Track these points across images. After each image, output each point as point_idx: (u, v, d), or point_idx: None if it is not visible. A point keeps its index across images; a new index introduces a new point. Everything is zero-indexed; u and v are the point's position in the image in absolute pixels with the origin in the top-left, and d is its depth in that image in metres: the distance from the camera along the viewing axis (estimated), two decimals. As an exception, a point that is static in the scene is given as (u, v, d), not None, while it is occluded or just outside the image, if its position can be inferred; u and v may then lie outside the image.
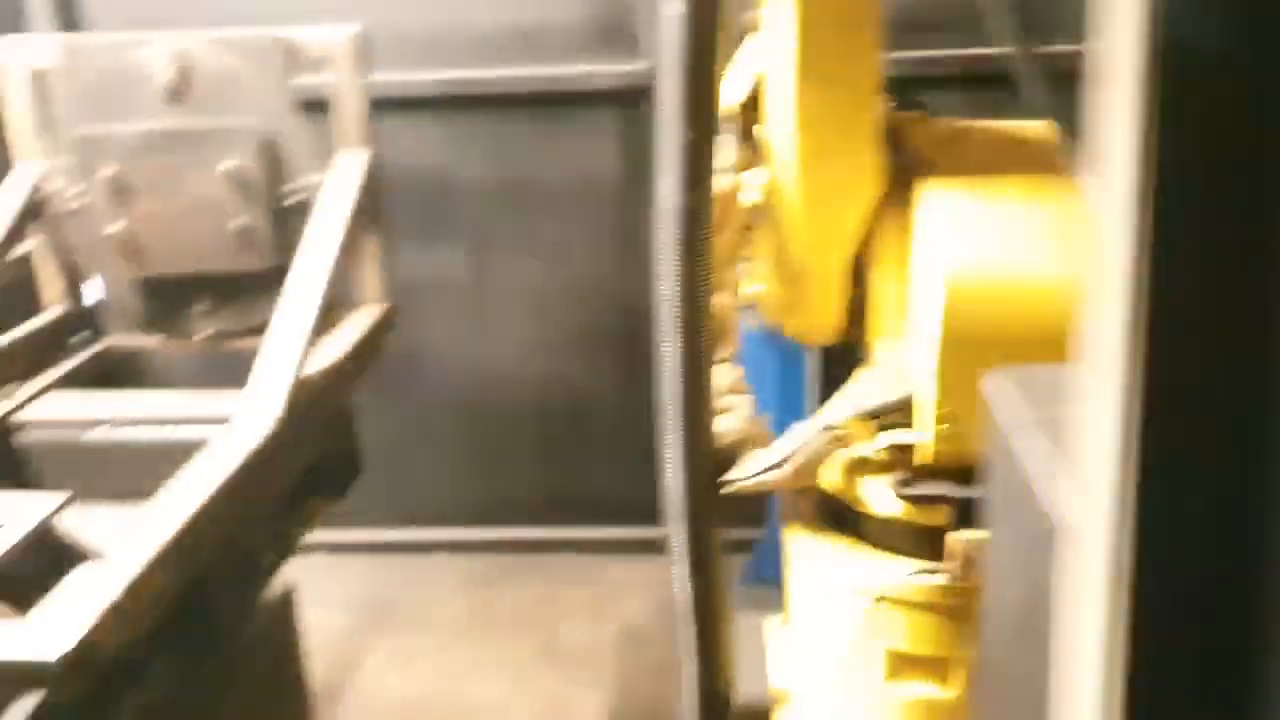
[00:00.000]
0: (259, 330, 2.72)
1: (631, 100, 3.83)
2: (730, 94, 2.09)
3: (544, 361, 4.11)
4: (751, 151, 2.15)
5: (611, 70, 3.81)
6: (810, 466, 1.98)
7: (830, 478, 2.08)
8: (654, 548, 4.20)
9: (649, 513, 4.23)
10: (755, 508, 2.15)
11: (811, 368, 3.52)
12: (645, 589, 4.04)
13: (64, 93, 2.67)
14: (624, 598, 4.01)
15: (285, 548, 2.30)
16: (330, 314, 2.57)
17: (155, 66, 2.60)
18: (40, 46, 2.73)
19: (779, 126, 1.95)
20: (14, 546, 1.75)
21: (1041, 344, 1.77)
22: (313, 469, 2.44)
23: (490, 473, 4.25)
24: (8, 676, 1.49)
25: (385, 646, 3.77)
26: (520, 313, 4.07)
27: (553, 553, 4.24)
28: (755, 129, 2.11)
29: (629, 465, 4.22)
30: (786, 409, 2.51)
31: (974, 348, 1.82)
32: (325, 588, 3.29)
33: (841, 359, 2.29)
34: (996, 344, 1.82)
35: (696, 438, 2.00)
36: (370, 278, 2.81)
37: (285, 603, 2.43)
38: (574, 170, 3.92)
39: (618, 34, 3.79)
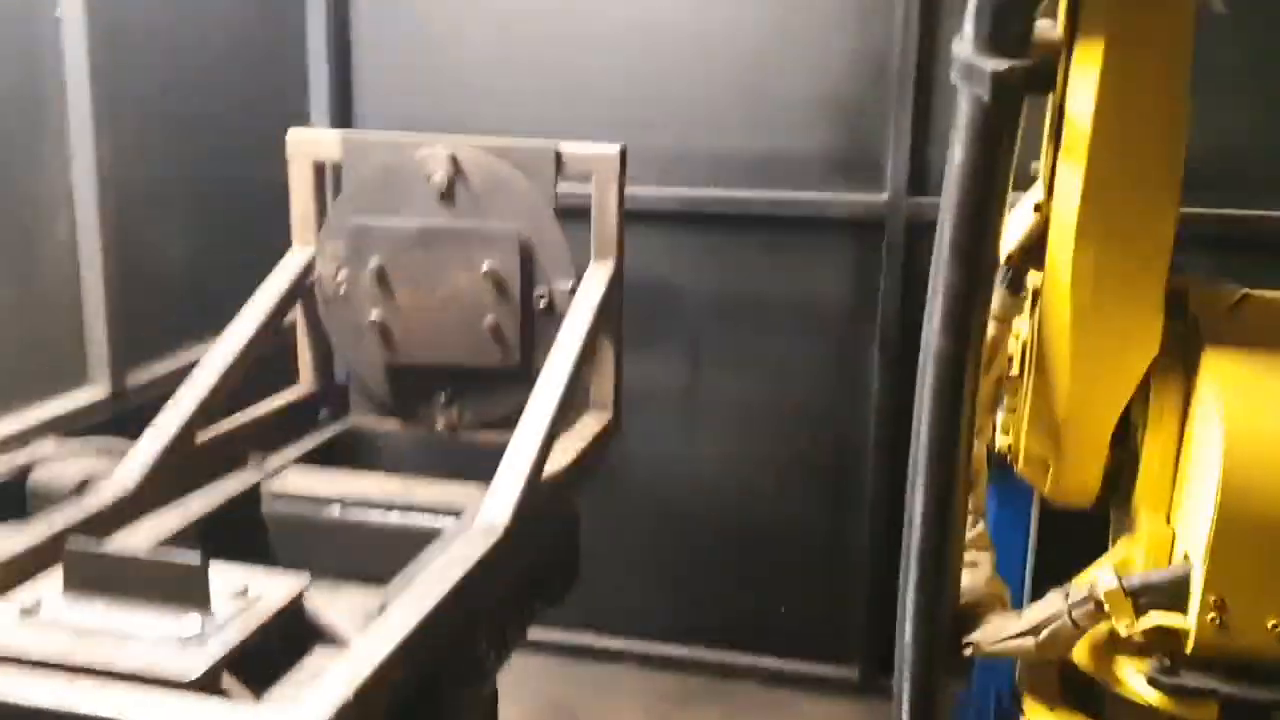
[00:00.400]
0: (495, 424, 2.81)
1: (866, 231, 3.82)
2: (1005, 240, 2.04)
3: (750, 482, 4.07)
4: (1022, 300, 2.09)
5: (849, 199, 3.81)
6: (1062, 640, 1.87)
7: (1081, 653, 1.96)
8: (843, 688, 4.07)
9: (841, 651, 4.10)
10: (964, 660, 2.04)
11: (1034, 521, 3.37)
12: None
13: (343, 184, 2.84)
14: (805, 736, 3.88)
15: (506, 649, 2.30)
16: (566, 417, 2.60)
17: (431, 166, 2.73)
18: (325, 140, 2.91)
19: (1058, 280, 1.90)
20: (260, 627, 1.80)
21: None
22: (535, 571, 2.46)
23: (684, 589, 4.21)
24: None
25: (564, 753, 3.73)
26: (731, 430, 4.05)
27: (738, 680, 4.14)
28: (1028, 278, 2.05)
29: (826, 599, 4.12)
30: (1002, 563, 2.39)
31: (1251, 529, 1.70)
32: (510, 682, 3.29)
33: (1069, 517, 2.18)
34: (1277, 528, 1.70)
35: (939, 592, 1.92)
36: (603, 385, 2.85)
37: (493, 703, 2.43)
38: (800, 294, 3.92)
39: (859, 164, 3.80)
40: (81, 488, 2.49)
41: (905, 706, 1.99)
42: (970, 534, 2.05)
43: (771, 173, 3.86)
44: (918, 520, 1.88)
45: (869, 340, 3.86)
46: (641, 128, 3.82)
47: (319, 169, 2.89)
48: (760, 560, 4.14)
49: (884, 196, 3.77)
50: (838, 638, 4.10)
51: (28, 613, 1.78)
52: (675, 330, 4.01)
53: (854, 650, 4.08)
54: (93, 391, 3.05)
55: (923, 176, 3.72)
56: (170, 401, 2.48)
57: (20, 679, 1.61)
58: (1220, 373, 1.80)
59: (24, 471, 2.56)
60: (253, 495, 2.52)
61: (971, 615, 1.99)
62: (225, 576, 1.88)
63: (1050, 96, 1.87)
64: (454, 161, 2.72)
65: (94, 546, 1.92)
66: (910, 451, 1.88)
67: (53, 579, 1.87)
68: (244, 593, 1.86)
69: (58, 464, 2.59)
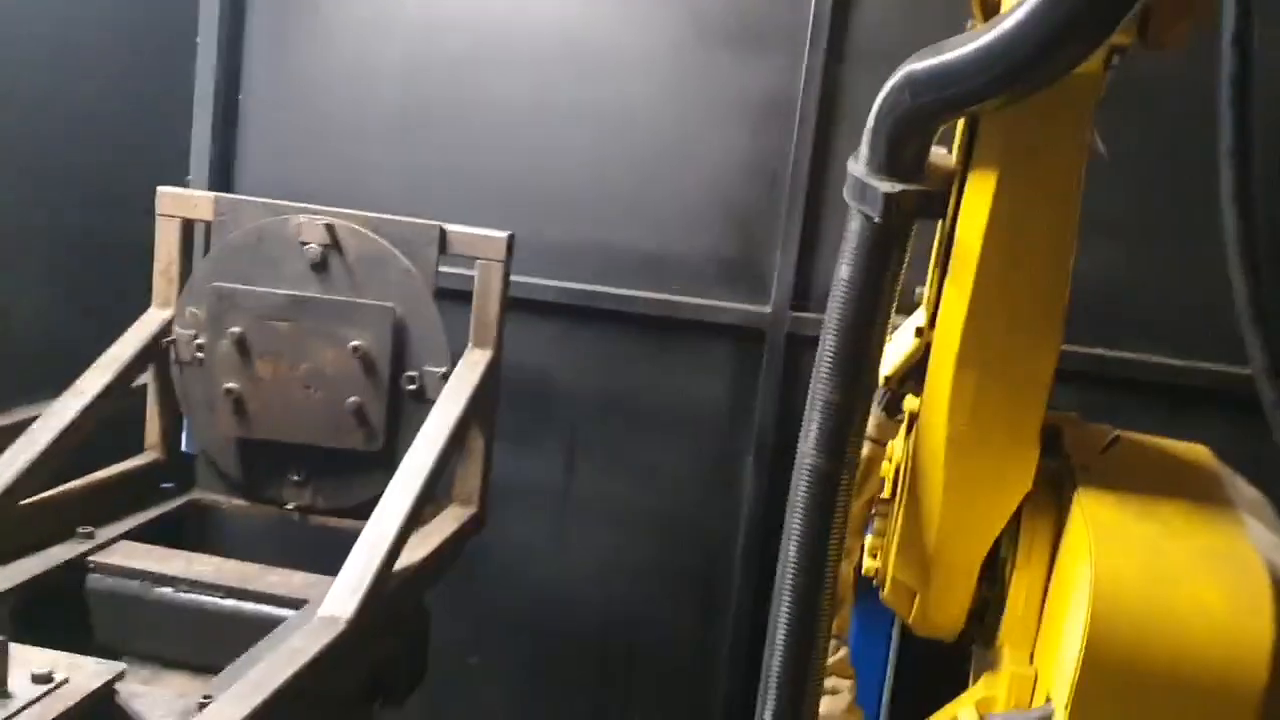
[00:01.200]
0: (351, 511, 2.67)
1: (748, 339, 3.82)
2: (885, 362, 2.03)
3: (616, 587, 3.97)
4: (898, 423, 2.08)
5: (733, 307, 3.81)
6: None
7: (941, 793, 1.91)
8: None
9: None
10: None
11: (894, 648, 3.35)
12: None
13: (211, 246, 2.71)
14: None
15: (338, 754, 2.15)
16: (426, 509, 2.49)
17: (306, 235, 2.63)
18: (197, 199, 2.79)
19: (935, 406, 1.88)
20: (61, 715, 1.63)
21: (1187, 693, 1.65)
22: (380, 668, 2.31)
23: (542, 696, 4.05)
24: None
25: None
26: (602, 532, 3.96)
27: (588, 795, 3.99)
28: (905, 402, 2.04)
29: (685, 712, 4.01)
30: (861, 688, 2.34)
31: (1115, 675, 1.68)
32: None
33: (930, 644, 2.15)
34: (1141, 676, 1.68)
35: (798, 716, 1.85)
36: (470, 477, 2.75)
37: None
38: (680, 397, 3.88)
39: (746, 273, 3.81)
40: (-117, 548, 2.28)
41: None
42: (833, 659, 2.01)
43: (659, 274, 3.84)
44: (779, 642, 1.82)
45: (744, 448, 3.84)
46: (533, 217, 3.77)
47: (188, 229, 2.77)
48: (620, 669, 4.02)
49: (767, 308, 3.78)
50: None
51: None
52: (551, 425, 3.93)
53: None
54: (-89, 444, 2.81)
55: (807, 290, 3.74)
56: (-4, 461, 2.29)
57: None
58: (1091, 513, 1.79)
59: None
60: (78, 568, 2.34)
61: (828, 745, 1.94)
62: (29, 658, 1.71)
63: (940, 223, 1.88)
64: (330, 231, 2.63)
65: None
66: (777, 569, 1.83)
67: None
68: (48, 678, 1.69)
69: None
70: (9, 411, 3.10)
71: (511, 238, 2.66)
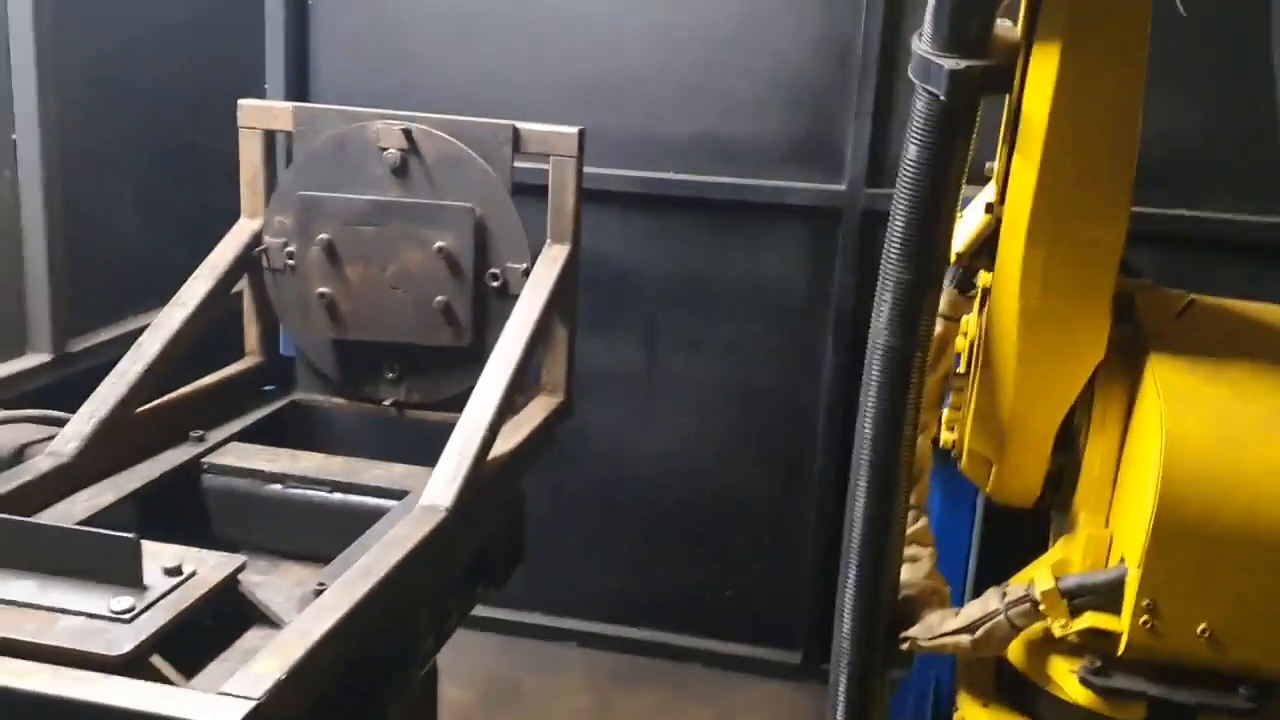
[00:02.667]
0: (443, 404, 2.78)
1: (822, 218, 3.82)
2: (956, 239, 2.05)
3: (701, 465, 4.08)
4: (970, 298, 2.10)
5: (807, 188, 3.81)
6: (998, 638, 1.88)
7: (1016, 651, 1.98)
8: (785, 671, 4.10)
9: (785, 635, 4.13)
10: (903, 652, 2.06)
11: (979, 519, 3.40)
12: (768, 714, 3.92)
13: (293, 156, 2.79)
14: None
15: (446, 630, 2.29)
16: (516, 400, 2.59)
17: (385, 141, 2.69)
18: (276, 110, 2.85)
19: (1007, 281, 1.90)
20: (192, 605, 1.77)
21: (1255, 551, 1.68)
22: (479, 553, 2.44)
23: (631, 570, 4.22)
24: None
25: (505, 732, 3.74)
26: (684, 413, 4.06)
27: (682, 661, 4.16)
28: (978, 277, 2.06)
29: (772, 583, 4.14)
30: (946, 559, 2.41)
31: (1185, 536, 1.72)
32: (452, 659, 3.28)
33: (1016, 515, 2.20)
34: (1211, 536, 1.72)
35: (878, 586, 1.93)
36: (555, 367, 2.83)
37: (431, 681, 2.42)
38: (756, 279, 3.92)
39: (819, 153, 3.80)
40: (18, 457, 2.45)
41: (841, 697, 2.01)
42: (912, 528, 2.06)
43: (731, 158, 3.85)
44: (859, 513, 1.89)
45: (823, 326, 3.88)
46: (603, 110, 3.80)
47: (270, 140, 2.84)
48: (708, 543, 4.15)
49: (842, 186, 3.77)
50: (782, 621, 4.13)
51: (-47, 586, 1.74)
52: (630, 312, 4.01)
53: (797, 634, 4.11)
54: (33, 359, 2.99)
55: (881, 167, 3.73)
56: (112, 372, 2.43)
57: (-60, 655, 1.58)
58: (1164, 379, 1.81)
59: (-43, 439, 2.51)
60: (193, 470, 2.48)
61: (910, 609, 2.01)
62: (159, 553, 1.84)
63: (1007, 96, 1.87)
64: (408, 136, 2.68)
65: (22, 519, 1.88)
66: (854, 445, 1.89)
67: (-19, 551, 1.83)
68: (178, 570, 1.82)
69: (-8, 432, 2.55)
70: (120, 323, 3.29)
71: (583, 133, 2.69)
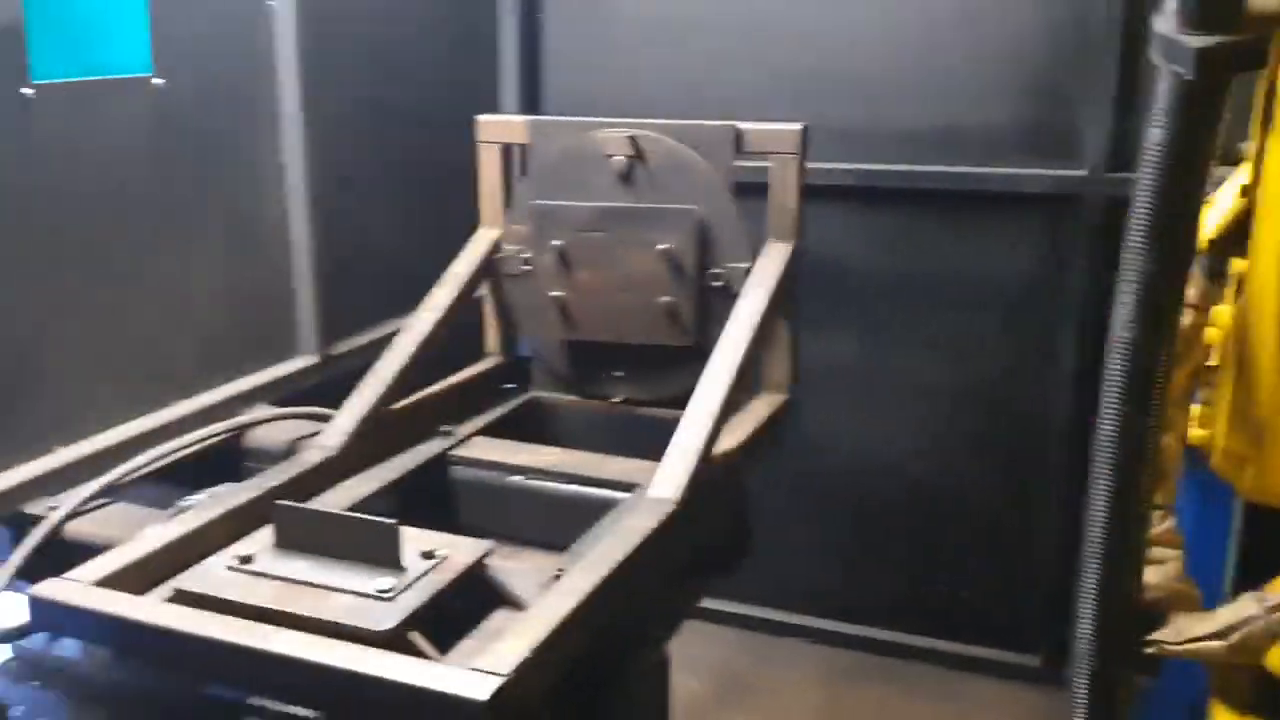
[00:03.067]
0: (669, 401, 2.88)
1: (1059, 206, 3.70)
2: (1207, 225, 1.96)
3: (929, 463, 4.02)
4: (1222, 288, 2.01)
5: (1042, 174, 3.70)
6: (1255, 645, 1.80)
7: (1277, 659, 1.88)
8: (1024, 675, 3.99)
9: (1021, 637, 4.02)
10: (1149, 657, 1.98)
11: (1236, 521, 3.21)
12: (1006, 716, 3.83)
13: (528, 167, 2.95)
14: (980, 720, 3.83)
15: (673, 621, 2.37)
16: (739, 397, 2.65)
17: (611, 149, 2.81)
18: (512, 124, 3.02)
19: (1265, 267, 1.80)
20: (446, 586, 1.92)
21: None
22: (706, 546, 2.52)
23: (858, 568, 4.20)
24: (436, 708, 1.63)
25: (736, 724, 3.80)
26: (911, 411, 4.01)
27: (913, 660, 4.12)
28: (1230, 265, 1.97)
29: (1006, 584, 4.04)
30: (1200, 563, 2.30)
31: None
32: (686, 650, 3.37)
33: (1274, 517, 2.08)
34: None
35: (1120, 588, 1.87)
36: (778, 365, 2.88)
37: (662, 669, 2.51)
38: (989, 274, 3.83)
39: (1055, 138, 3.68)
40: (290, 450, 2.71)
41: (1082, 703, 1.96)
42: (1158, 529, 1.99)
43: (961, 146, 3.77)
44: (1100, 514, 1.83)
45: (1061, 322, 3.75)
46: (824, 103, 3.79)
47: (506, 152, 3.01)
48: (937, 543, 4.09)
49: (1082, 172, 3.64)
50: (1018, 623, 4.02)
51: (243, 564, 1.95)
52: (854, 309, 3.99)
53: (1034, 636, 3.99)
54: (302, 361, 3.27)
55: (1124, 152, 3.57)
56: (370, 372, 2.65)
57: (231, 624, 1.78)
58: None
59: (241, 434, 2.79)
60: (442, 462, 2.66)
61: (1157, 613, 1.94)
62: (415, 538, 2.01)
63: (1261, 73, 1.77)
64: (633, 143, 2.78)
65: (300, 506, 2.09)
66: (1093, 444, 1.84)
67: (267, 534, 2.04)
68: (432, 554, 1.98)
69: (270, 428, 2.82)
70: (374, 328, 3.55)
71: (805, 130, 2.72)
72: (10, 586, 2.16)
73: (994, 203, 3.78)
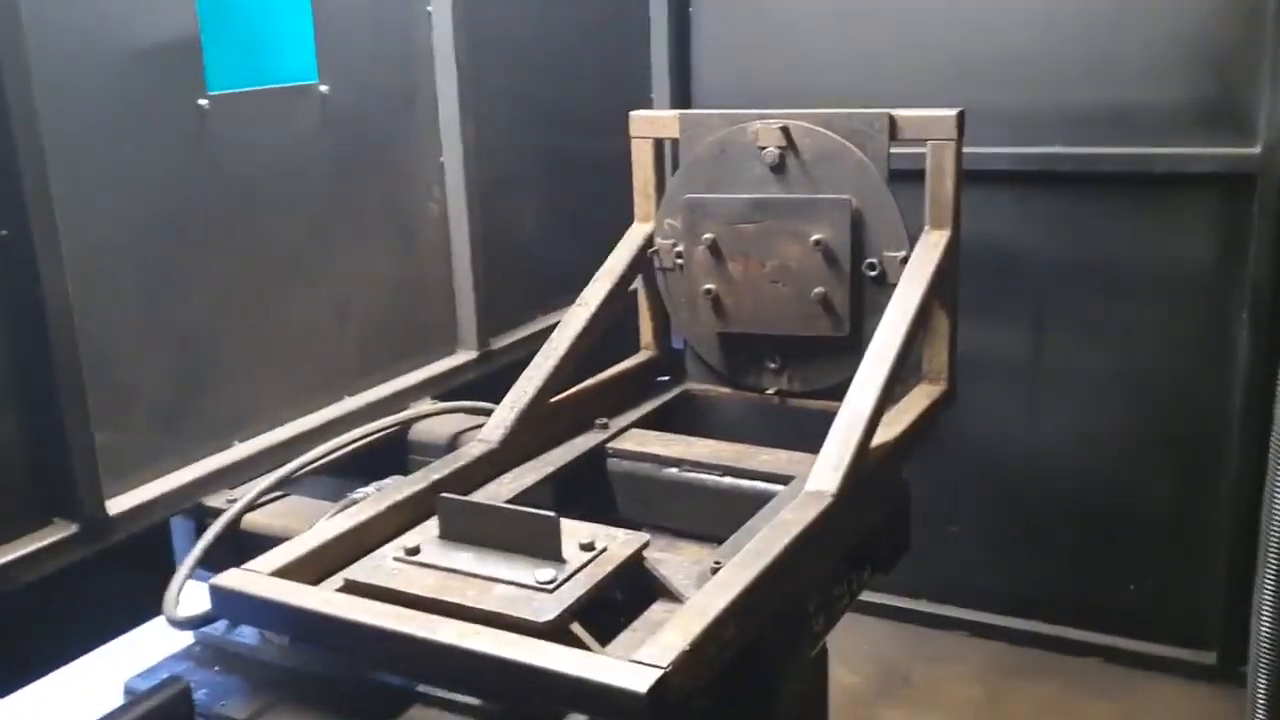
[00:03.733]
0: (824, 393, 2.85)
1: (1235, 187, 3.51)
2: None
3: (1096, 455, 3.88)
4: None
5: (1214, 154, 3.52)
6: None
7: None
8: (1198, 673, 3.81)
9: (1196, 635, 3.85)
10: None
11: None
12: (1178, 716, 3.67)
13: (679, 161, 2.95)
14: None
15: (833, 613, 2.35)
16: (897, 388, 2.60)
17: (763, 140, 2.79)
18: (663, 119, 3.03)
19: None
20: (605, 578, 1.94)
21: None
22: (864, 539, 2.49)
23: (1021, 561, 4.08)
24: (597, 699, 1.65)
25: (895, 717, 3.74)
26: (1076, 401, 3.87)
27: (1077, 655, 3.98)
28: None
29: (1179, 579, 3.87)
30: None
31: None
32: (842, 643, 3.34)
33: None
34: None
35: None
36: (937, 355, 2.81)
37: (821, 661, 2.50)
38: (1156, 258, 3.67)
39: (1226, 115, 3.49)
40: (453, 443, 2.79)
41: (1260, 702, 1.87)
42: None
43: (1125, 126, 3.62)
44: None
45: (1235, 307, 3.56)
46: (983, 85, 3.69)
47: (658, 147, 3.02)
48: (1101, 538, 3.94)
49: (1256, 149, 3.45)
50: (1191, 620, 3.85)
51: (409, 555, 2.02)
52: (1016, 297, 3.87)
53: (1209, 634, 3.81)
54: (462, 356, 3.37)
55: (1302, 127, 3.38)
56: (529, 367, 2.70)
57: (398, 612, 1.84)
58: None
59: (406, 428, 2.89)
60: (599, 454, 2.70)
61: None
62: (575, 530, 2.04)
63: None
64: (785, 134, 2.76)
65: (463, 499, 2.15)
66: (1273, 435, 1.75)
67: (432, 525, 2.10)
68: (591, 546, 2.01)
69: (433, 422, 2.91)
70: (531, 322, 3.63)
71: (962, 114, 2.65)
72: (193, 576, 2.28)
73: (1162, 185, 3.61)
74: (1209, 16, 3.45)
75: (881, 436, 2.45)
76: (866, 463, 2.33)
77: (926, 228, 2.71)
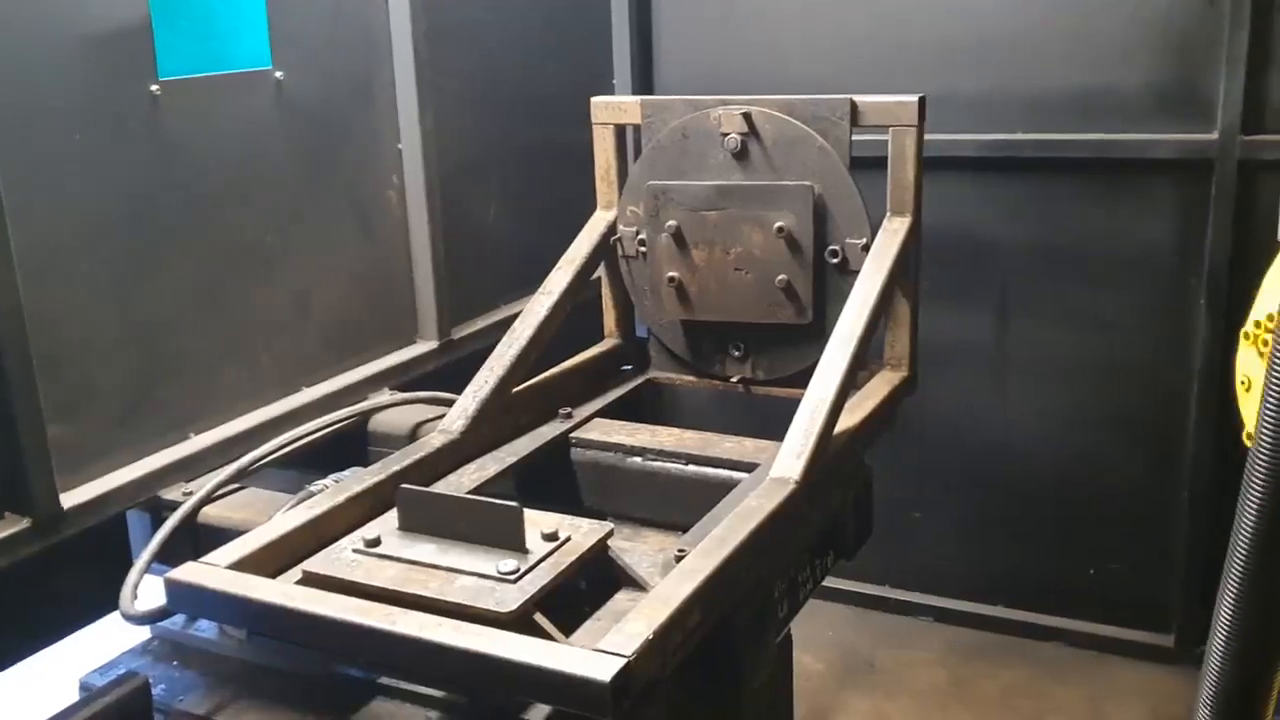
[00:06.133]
0: (788, 380, 2.85)
1: (1192, 172, 3.54)
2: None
3: (1058, 440, 3.90)
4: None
5: (1174, 139, 3.55)
6: None
7: None
8: (1157, 655, 3.86)
9: (1156, 619, 3.89)
10: None
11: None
12: (1140, 698, 3.71)
13: (641, 147, 2.93)
14: (1115, 703, 3.71)
15: (798, 600, 2.35)
16: (859, 375, 2.60)
17: (725, 126, 2.78)
18: (625, 104, 3.01)
19: None
20: (569, 568, 1.93)
21: None
22: (828, 525, 2.49)
23: (985, 547, 4.11)
24: (560, 689, 1.64)
25: (861, 705, 3.76)
26: (1040, 386, 3.90)
27: (1040, 640, 4.02)
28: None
29: (1140, 564, 3.91)
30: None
31: None
32: (807, 630, 3.34)
33: None
34: None
35: (1270, 603, 1.76)
36: (899, 343, 2.82)
37: (786, 648, 2.49)
38: (1118, 242, 3.69)
39: (1186, 100, 3.52)
40: (414, 434, 2.76)
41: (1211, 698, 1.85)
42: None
43: (1087, 113, 3.64)
44: (1248, 523, 1.72)
45: (1196, 290, 3.60)
46: (946, 72, 3.70)
47: (620, 133, 3.00)
48: (1063, 523, 3.97)
49: (1214, 135, 3.48)
50: (1151, 603, 3.89)
51: (369, 546, 1.99)
52: (980, 283, 3.89)
53: (1168, 617, 3.86)
54: (423, 346, 3.33)
55: (1258, 112, 3.41)
56: (491, 356, 2.67)
57: (358, 605, 1.81)
58: None
59: (366, 419, 2.86)
60: (563, 444, 2.68)
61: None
62: (538, 520, 2.02)
63: None
64: (748, 120, 2.75)
65: (424, 489, 2.12)
66: (1249, 454, 1.72)
67: (392, 517, 2.08)
68: (555, 535, 1.99)
69: (394, 413, 2.88)
70: (493, 311, 3.60)
71: (923, 100, 2.65)
72: (149, 570, 2.24)
73: (1124, 170, 3.64)
74: (1165, 6, 3.47)
75: (844, 423, 2.45)
76: (830, 449, 2.33)
77: (888, 214, 2.70)
